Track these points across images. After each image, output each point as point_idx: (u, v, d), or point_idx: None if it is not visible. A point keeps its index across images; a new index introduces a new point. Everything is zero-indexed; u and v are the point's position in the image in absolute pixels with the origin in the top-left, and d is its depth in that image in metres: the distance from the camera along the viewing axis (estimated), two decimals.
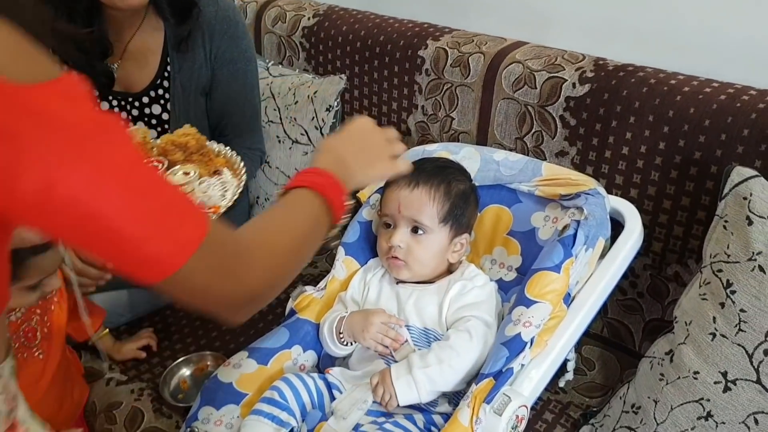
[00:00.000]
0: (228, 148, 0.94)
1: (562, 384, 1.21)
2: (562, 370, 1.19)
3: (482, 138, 1.37)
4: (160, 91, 1.31)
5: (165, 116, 1.32)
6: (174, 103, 1.31)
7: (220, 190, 0.87)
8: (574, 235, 1.04)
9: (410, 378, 1.00)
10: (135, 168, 0.55)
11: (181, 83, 1.30)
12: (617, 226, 1.14)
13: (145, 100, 1.31)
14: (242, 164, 0.94)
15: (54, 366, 1.11)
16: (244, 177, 0.96)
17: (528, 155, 1.29)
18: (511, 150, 1.31)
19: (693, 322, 1.00)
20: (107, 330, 1.33)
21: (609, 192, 1.20)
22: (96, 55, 1.25)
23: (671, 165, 1.13)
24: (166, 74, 1.31)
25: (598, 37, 1.30)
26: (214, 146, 0.92)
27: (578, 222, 1.05)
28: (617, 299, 1.27)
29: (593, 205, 1.06)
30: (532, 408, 1.20)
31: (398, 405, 1.01)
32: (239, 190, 0.91)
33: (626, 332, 1.27)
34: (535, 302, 1.01)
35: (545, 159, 1.28)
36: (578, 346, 1.31)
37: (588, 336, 1.31)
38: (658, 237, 1.19)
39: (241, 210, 1.54)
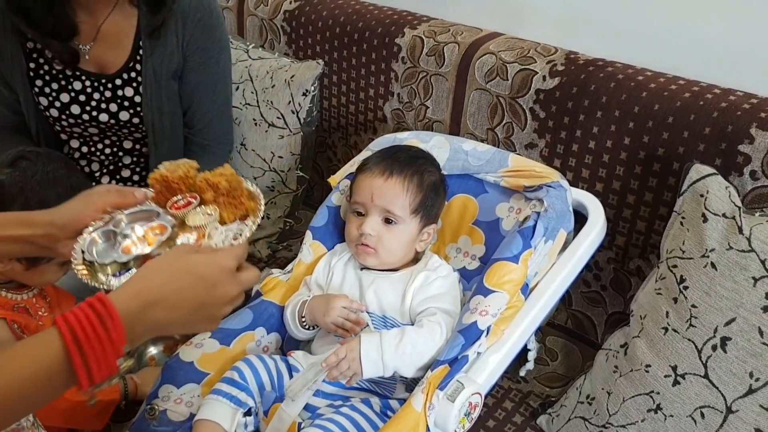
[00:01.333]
0: (258, 190, 0.91)
1: (522, 373, 1.24)
2: (522, 359, 1.21)
3: (455, 128, 1.37)
4: (133, 74, 1.32)
5: (137, 99, 1.33)
6: (146, 86, 1.32)
7: (232, 237, 0.84)
8: (534, 227, 1.05)
9: (379, 351, 1.00)
10: None
11: (153, 67, 1.31)
12: (581, 218, 1.15)
13: (118, 82, 1.32)
14: (263, 206, 0.91)
15: None
16: (260, 218, 0.92)
17: (499, 146, 1.30)
18: (482, 140, 1.32)
19: (647, 316, 1.01)
20: None
21: (575, 185, 1.21)
22: (57, 34, 1.25)
23: (635, 160, 1.14)
24: (138, 57, 1.31)
25: (572, 30, 1.30)
26: (250, 187, 0.89)
27: (538, 214, 1.06)
28: (581, 291, 1.29)
29: (554, 197, 1.07)
30: (493, 396, 1.23)
31: (362, 376, 1.01)
32: (251, 231, 0.89)
33: (589, 324, 1.28)
34: (493, 291, 1.02)
35: (515, 150, 1.29)
36: (542, 337, 1.33)
37: (552, 327, 1.34)
38: (621, 231, 1.20)
39: None
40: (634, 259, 1.19)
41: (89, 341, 0.60)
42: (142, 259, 0.80)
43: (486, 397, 1.18)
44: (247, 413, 1.03)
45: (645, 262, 1.18)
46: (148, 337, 0.69)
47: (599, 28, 1.28)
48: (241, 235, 0.84)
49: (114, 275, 0.80)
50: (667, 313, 0.98)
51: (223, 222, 0.86)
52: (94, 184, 1.41)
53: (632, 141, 1.13)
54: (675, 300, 0.97)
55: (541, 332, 1.32)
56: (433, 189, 1.13)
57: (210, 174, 0.86)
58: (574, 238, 1.13)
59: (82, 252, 0.82)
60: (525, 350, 1.20)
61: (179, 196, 0.87)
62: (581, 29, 1.29)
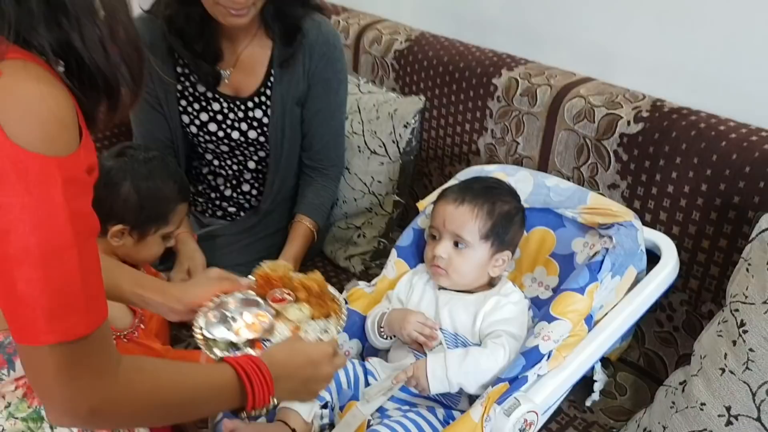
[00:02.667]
0: (341, 297, 1.09)
1: (588, 403, 1.28)
2: (589, 389, 1.26)
3: (543, 164, 1.45)
4: (263, 98, 1.49)
5: (265, 120, 1.50)
6: (273, 109, 1.49)
7: (320, 332, 1.03)
8: (602, 262, 1.11)
9: (444, 369, 1.10)
10: (68, 248, 0.61)
11: (281, 93, 1.48)
12: (656, 258, 1.20)
13: (250, 104, 1.50)
14: (346, 312, 1.07)
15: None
16: (344, 322, 1.07)
17: (583, 185, 1.37)
18: (568, 178, 1.39)
19: (707, 356, 1.05)
20: None
21: (653, 227, 1.26)
22: (204, 57, 1.45)
23: (711, 207, 1.17)
24: (269, 84, 1.49)
25: (662, 78, 1.35)
26: (333, 291, 1.08)
27: (607, 249, 1.12)
28: (654, 331, 1.32)
29: (623, 235, 1.13)
30: (557, 422, 1.28)
31: (430, 392, 1.11)
32: (338, 332, 1.05)
33: (660, 363, 1.31)
34: (557, 319, 1.09)
35: (599, 189, 1.35)
36: (613, 372, 1.37)
37: (624, 363, 1.37)
38: (695, 275, 1.23)
39: None
40: (707, 302, 1.22)
41: (257, 379, 0.82)
42: (249, 342, 0.99)
43: (550, 422, 1.26)
44: (324, 406, 1.15)
45: (717, 306, 1.20)
46: (277, 397, 0.88)
47: (688, 77, 1.32)
48: (327, 331, 1.04)
49: (226, 351, 0.98)
50: (726, 354, 1.01)
51: (312, 318, 1.04)
52: (195, 190, 1.60)
53: (709, 188, 1.17)
54: (734, 343, 1.00)
55: (612, 367, 1.36)
56: (505, 217, 1.21)
57: (304, 278, 1.06)
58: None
59: (200, 328, 1.00)
60: (592, 381, 1.26)
61: (277, 291, 1.05)
62: (671, 78, 1.34)
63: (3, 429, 0.74)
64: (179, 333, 1.44)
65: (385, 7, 1.93)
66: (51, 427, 0.77)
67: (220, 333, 0.98)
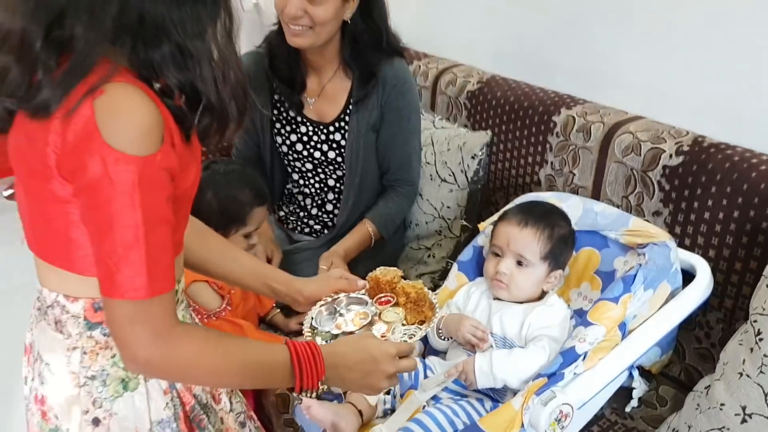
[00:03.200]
0: (437, 302, 1.20)
1: (628, 409, 1.40)
2: (629, 397, 1.39)
3: (596, 193, 1.60)
4: (343, 124, 1.73)
5: (342, 142, 1.73)
6: (350, 133, 1.72)
7: (407, 336, 1.13)
8: (635, 276, 1.25)
9: (489, 365, 1.26)
10: (141, 229, 0.78)
11: (358, 120, 1.71)
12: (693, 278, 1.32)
13: (331, 129, 1.74)
14: (436, 319, 1.18)
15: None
16: (433, 326, 1.22)
17: (631, 212, 1.50)
18: (617, 206, 1.53)
19: (729, 362, 1.16)
20: (278, 309, 1.75)
21: (691, 250, 1.38)
22: (294, 86, 1.71)
23: (743, 232, 1.29)
24: (348, 111, 1.72)
25: (706, 116, 1.48)
26: (432, 298, 1.19)
27: (640, 265, 1.26)
28: (694, 347, 1.43)
29: (656, 253, 1.26)
30: (599, 425, 1.40)
31: (477, 385, 1.27)
32: (422, 335, 1.17)
33: (699, 377, 1.41)
34: (593, 324, 1.24)
35: (644, 216, 1.49)
36: (656, 385, 1.48)
37: (666, 377, 1.48)
38: (729, 295, 1.34)
39: (397, 230, 1.90)
40: (740, 321, 1.32)
41: (307, 365, 0.93)
42: (347, 335, 1.12)
43: (592, 425, 1.38)
44: (387, 393, 1.33)
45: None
46: (330, 385, 1.02)
47: (730, 115, 1.44)
48: (414, 335, 1.13)
49: (326, 341, 1.12)
50: (744, 360, 1.13)
51: (405, 322, 1.17)
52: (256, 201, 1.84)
53: (741, 214, 1.29)
54: (751, 350, 1.12)
55: (655, 380, 1.47)
56: (561, 240, 1.37)
57: (407, 284, 1.19)
58: None
59: (312, 318, 1.16)
60: (631, 389, 1.38)
61: (383, 295, 1.20)
62: (714, 116, 1.47)
63: (108, 373, 0.94)
64: None
65: (461, 52, 2.14)
66: (144, 377, 0.96)
67: (325, 325, 1.14)
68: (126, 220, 0.78)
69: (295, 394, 1.01)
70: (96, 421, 0.95)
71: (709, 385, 1.19)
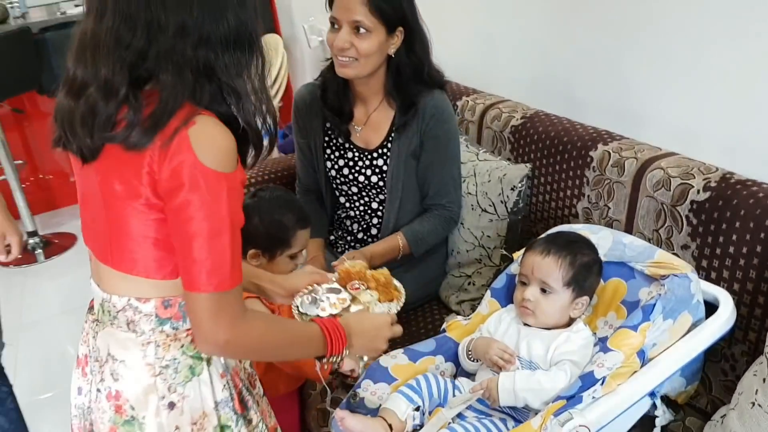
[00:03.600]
0: (401, 285, 1.47)
1: None
2: (651, 426, 1.42)
3: (629, 226, 1.65)
4: (385, 150, 1.85)
5: (385, 168, 1.85)
6: (392, 159, 1.84)
7: (385, 311, 1.39)
8: (654, 305, 1.30)
9: (512, 383, 1.33)
10: (222, 236, 0.97)
11: (399, 147, 1.83)
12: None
13: (375, 155, 1.86)
14: (404, 297, 1.44)
15: None
16: (402, 303, 1.44)
17: (661, 246, 1.55)
18: (648, 239, 1.58)
19: (743, 393, 1.20)
20: None
21: (717, 283, 1.42)
22: (343, 116, 1.86)
23: (765, 266, 1.32)
24: (390, 139, 1.84)
25: (736, 153, 1.52)
26: (396, 283, 1.47)
27: (660, 295, 1.31)
28: (720, 380, 1.46)
29: (676, 284, 1.31)
30: None
31: (499, 403, 1.34)
32: (397, 311, 1.41)
33: None
34: (611, 350, 1.29)
35: (673, 249, 1.53)
36: (683, 416, 1.50)
37: (692, 408, 1.51)
38: (753, 328, 1.37)
39: (439, 257, 1.99)
40: (764, 353, 1.35)
41: (335, 335, 1.18)
42: (331, 317, 1.32)
43: None
44: (416, 409, 1.41)
45: None
46: (348, 349, 1.22)
47: (760, 153, 1.48)
48: (390, 310, 1.39)
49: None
50: (757, 390, 1.16)
51: (379, 301, 1.42)
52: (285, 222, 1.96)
53: (763, 249, 1.33)
54: (764, 380, 1.16)
55: (682, 410, 1.50)
56: (584, 267, 1.43)
57: (375, 272, 1.45)
58: None
59: (297, 306, 1.37)
60: (652, 416, 1.41)
61: (355, 282, 1.44)
62: (745, 154, 1.51)
63: (179, 361, 1.09)
64: None
65: (507, 89, 2.23)
66: (207, 363, 1.11)
67: (311, 310, 1.35)
68: (218, 225, 0.96)
69: (324, 360, 1.21)
70: (171, 405, 1.10)
71: (725, 414, 1.23)
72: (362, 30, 1.69)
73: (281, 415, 1.39)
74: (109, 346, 1.12)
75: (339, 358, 1.21)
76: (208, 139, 0.96)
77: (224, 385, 1.15)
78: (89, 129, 0.97)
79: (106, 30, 0.95)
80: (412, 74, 1.79)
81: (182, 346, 1.10)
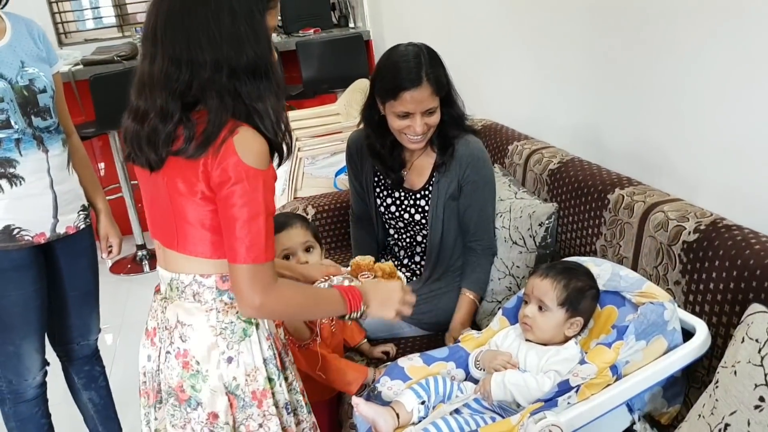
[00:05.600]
0: (403, 275, 1.82)
1: None
2: None
3: (635, 263, 1.82)
4: (427, 192, 2.10)
5: (427, 208, 2.10)
6: (433, 200, 2.08)
7: None
8: (627, 327, 1.48)
9: (503, 378, 1.55)
10: (258, 219, 1.25)
11: (439, 189, 2.07)
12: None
13: (418, 195, 2.12)
14: (405, 284, 1.71)
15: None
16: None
17: (659, 282, 1.72)
18: (650, 276, 1.75)
19: (695, 407, 1.36)
20: (366, 339, 2.13)
21: (700, 315, 1.58)
22: (393, 166, 2.11)
23: (736, 301, 1.48)
24: (432, 181, 2.09)
25: (732, 201, 1.68)
26: (399, 274, 1.76)
27: (635, 318, 1.49)
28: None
29: (649, 310, 1.49)
30: None
31: (492, 396, 1.56)
32: None
33: None
34: (587, 363, 1.48)
35: (668, 285, 1.70)
36: None
37: (674, 428, 1.65)
38: None
39: None
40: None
41: (351, 295, 1.47)
42: None
43: None
44: (422, 403, 1.64)
45: None
46: (366, 308, 1.52)
47: (747, 201, 1.64)
48: None
49: None
50: (704, 405, 1.32)
51: None
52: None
53: (735, 286, 1.48)
54: (710, 396, 1.32)
55: (665, 430, 1.64)
56: (578, 291, 1.63)
57: (380, 264, 1.74)
58: None
59: None
60: (633, 430, 1.58)
61: (365, 272, 1.73)
62: (739, 201, 1.67)
63: (235, 324, 1.39)
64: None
65: (553, 136, 2.46)
66: (256, 327, 1.41)
67: None
68: (257, 210, 1.25)
69: (346, 317, 1.49)
70: (229, 359, 1.40)
71: (679, 426, 1.39)
72: (431, 111, 1.96)
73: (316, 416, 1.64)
74: (177, 315, 1.41)
75: (357, 314, 1.49)
76: (247, 145, 1.25)
77: (269, 346, 1.44)
78: (154, 146, 1.29)
79: (158, 70, 1.27)
80: (450, 123, 2.05)
81: (237, 313, 1.40)
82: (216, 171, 1.25)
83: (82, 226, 2.09)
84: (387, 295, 1.54)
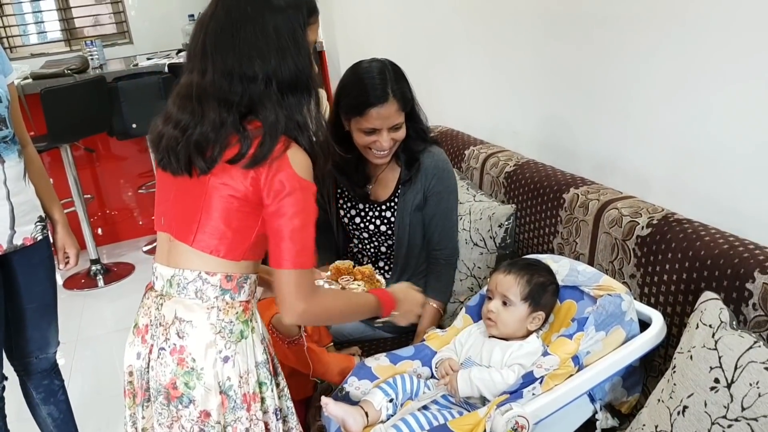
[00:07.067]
0: (382, 278, 1.85)
1: None
2: (592, 428, 1.63)
3: (591, 259, 1.89)
4: (392, 203, 2.13)
5: (392, 219, 2.13)
6: (399, 211, 2.11)
7: None
8: (587, 318, 1.54)
9: (469, 375, 1.59)
10: (308, 227, 1.32)
11: (405, 201, 2.10)
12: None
13: (383, 207, 2.14)
14: (384, 287, 1.78)
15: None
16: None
17: (615, 276, 1.78)
18: (606, 270, 1.81)
19: (654, 392, 1.41)
20: (332, 344, 2.14)
21: (655, 306, 1.64)
22: (359, 182, 2.14)
23: (689, 291, 1.55)
24: (397, 194, 2.12)
25: (680, 197, 1.76)
26: (378, 277, 1.81)
27: (594, 309, 1.55)
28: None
29: (607, 301, 1.55)
30: None
31: (458, 392, 1.59)
32: None
33: None
34: (550, 355, 1.53)
35: (624, 278, 1.76)
36: (628, 424, 1.70)
37: (634, 416, 1.71)
38: None
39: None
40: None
41: (386, 299, 1.58)
42: None
43: None
44: (390, 401, 1.66)
45: None
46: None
47: (696, 196, 1.72)
48: None
49: None
50: (663, 390, 1.38)
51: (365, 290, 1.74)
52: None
53: (688, 277, 1.55)
54: (668, 381, 1.37)
55: (628, 420, 1.70)
56: (540, 286, 1.68)
57: (360, 268, 1.79)
58: None
59: None
60: (594, 419, 1.63)
61: (345, 276, 1.76)
62: (687, 197, 1.75)
63: (234, 324, 1.40)
64: None
65: (510, 141, 2.52)
66: (251, 330, 1.43)
67: None
68: (306, 219, 1.32)
69: (378, 320, 1.63)
70: (226, 359, 1.40)
71: (640, 411, 1.44)
72: (397, 126, 1.98)
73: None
74: (176, 311, 1.42)
75: (390, 317, 1.62)
76: (300, 160, 1.31)
77: (263, 350, 1.46)
78: (202, 152, 1.32)
79: (210, 83, 1.31)
80: (414, 136, 2.07)
81: (236, 313, 1.41)
82: (271, 181, 1.30)
83: (39, 238, 2.05)
84: (411, 307, 1.68)
